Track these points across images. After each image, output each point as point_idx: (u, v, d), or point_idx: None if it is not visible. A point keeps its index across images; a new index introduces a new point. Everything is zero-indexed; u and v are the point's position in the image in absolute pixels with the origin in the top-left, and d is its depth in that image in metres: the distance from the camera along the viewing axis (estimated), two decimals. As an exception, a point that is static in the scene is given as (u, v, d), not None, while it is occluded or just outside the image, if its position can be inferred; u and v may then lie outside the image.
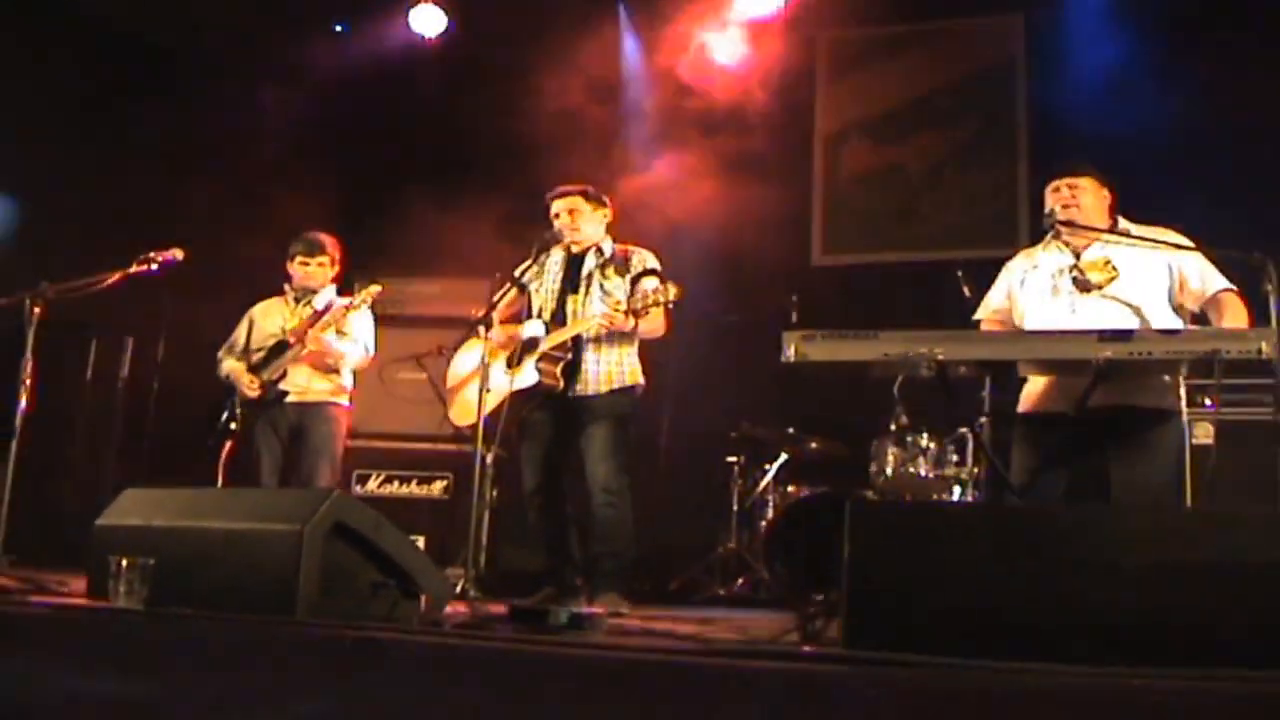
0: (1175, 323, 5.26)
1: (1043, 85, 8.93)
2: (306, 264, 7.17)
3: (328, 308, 7.08)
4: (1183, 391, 5.93)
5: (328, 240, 7.23)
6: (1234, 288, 5.26)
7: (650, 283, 6.25)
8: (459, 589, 5.45)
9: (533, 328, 6.38)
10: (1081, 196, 5.45)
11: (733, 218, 8.88)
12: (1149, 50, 8.15)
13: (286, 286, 7.26)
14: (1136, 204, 5.63)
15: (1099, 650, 3.07)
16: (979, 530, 3.48)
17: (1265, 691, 2.91)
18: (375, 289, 6.99)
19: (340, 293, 7.25)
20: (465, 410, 6.53)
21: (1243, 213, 7.29)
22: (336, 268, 7.26)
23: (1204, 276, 5.32)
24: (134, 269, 6.46)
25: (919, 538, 3.45)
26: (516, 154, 8.98)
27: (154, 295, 7.68)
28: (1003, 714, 2.78)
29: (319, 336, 6.89)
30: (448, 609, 4.56)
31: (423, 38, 9.67)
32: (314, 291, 7.19)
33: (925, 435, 7.49)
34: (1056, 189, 5.51)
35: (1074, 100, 8.32)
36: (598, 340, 6.34)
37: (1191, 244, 5.31)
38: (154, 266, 6.52)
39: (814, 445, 8.26)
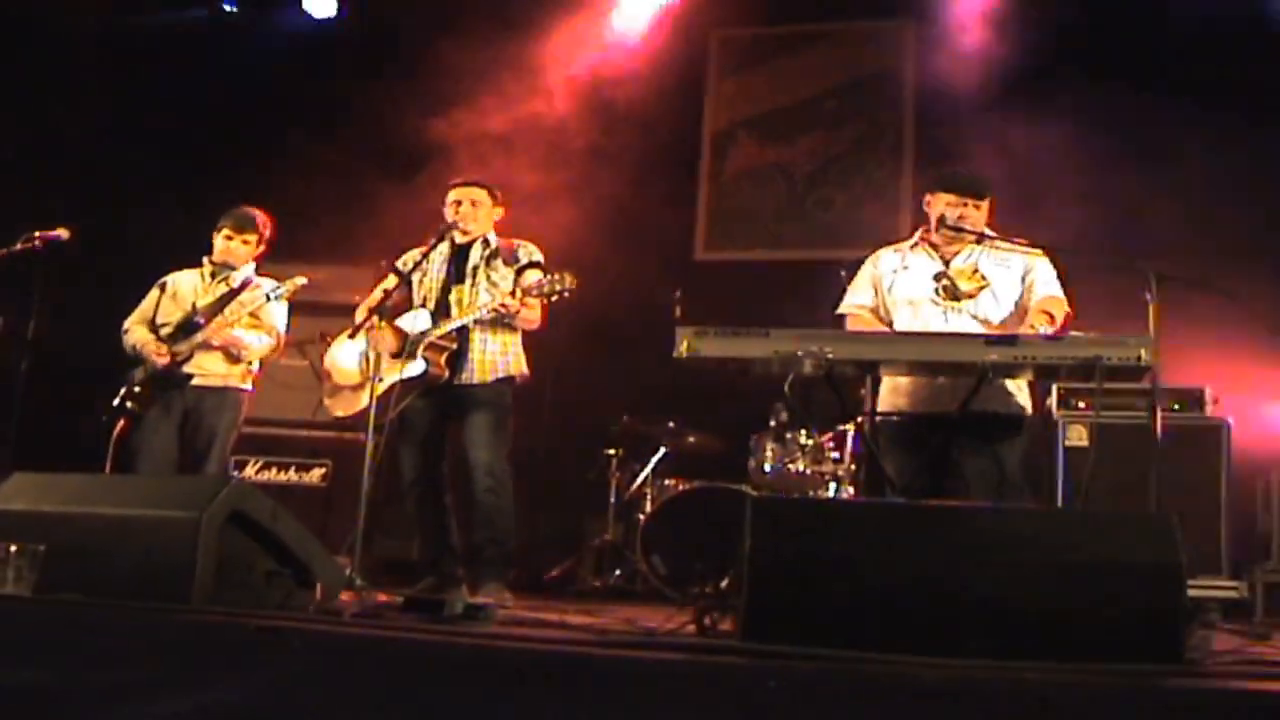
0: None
1: (928, 91, 9.06)
2: (231, 239, 6.92)
3: (244, 287, 6.88)
4: (1053, 400, 6.14)
5: (259, 218, 7.00)
6: (1062, 296, 5.49)
7: (534, 275, 6.28)
8: (347, 578, 5.43)
9: (419, 318, 6.37)
10: (978, 216, 5.60)
11: (617, 211, 8.93)
12: (1032, 61, 8.33)
13: (205, 259, 7.00)
14: (1013, 212, 5.79)
15: (995, 643, 3.17)
16: (874, 526, 3.57)
17: (1147, 685, 3.02)
18: (301, 281, 6.79)
19: (257, 274, 7.06)
20: (343, 401, 6.51)
21: (1120, 225, 7.51)
22: (263, 247, 7.05)
23: (1046, 283, 5.53)
24: (19, 247, 6.36)
25: (818, 533, 3.52)
26: (405, 142, 8.94)
27: (26, 274, 7.51)
28: (901, 706, 2.86)
29: (224, 333, 6.69)
30: (345, 599, 4.56)
31: (316, 20, 9.58)
32: (233, 268, 6.96)
33: (804, 432, 7.60)
34: (959, 204, 5.61)
35: (957, 107, 8.48)
36: (483, 329, 6.36)
37: (1042, 252, 5.54)
38: (38, 245, 6.42)
39: (692, 440, 8.34)
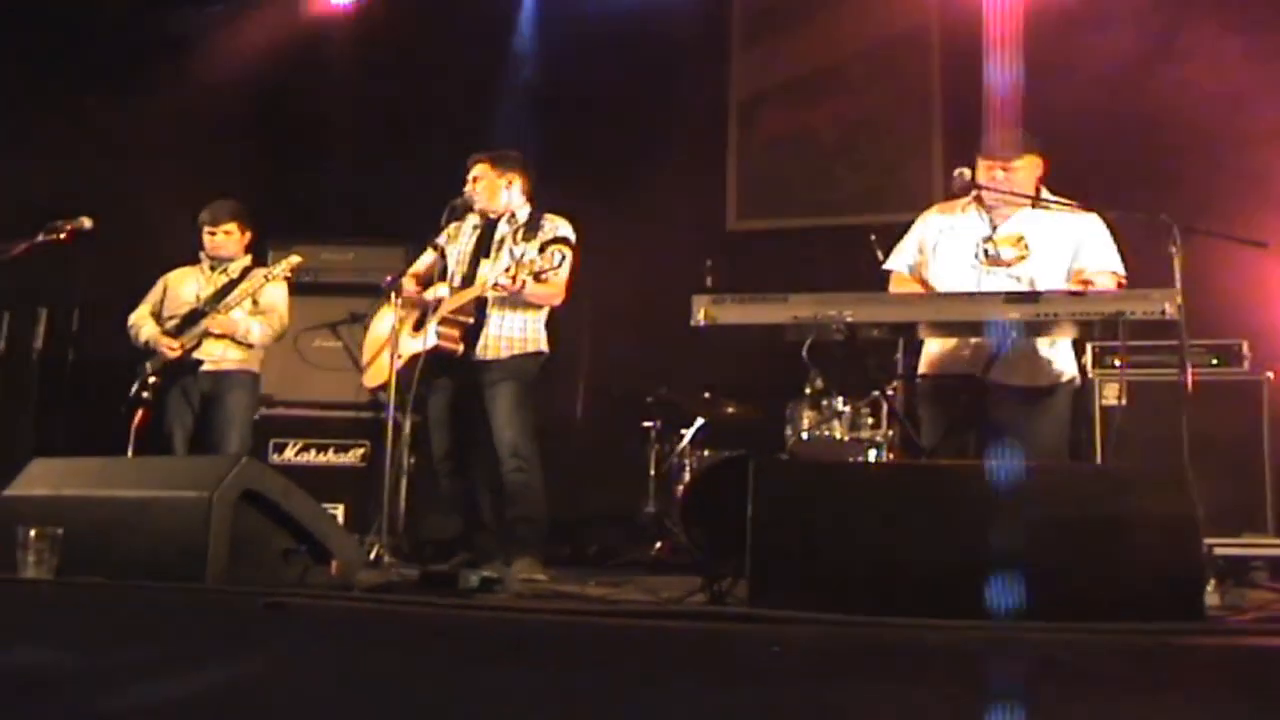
0: None
1: (955, 51, 8.94)
2: (213, 234, 7.09)
3: (244, 275, 7.02)
4: (1088, 358, 6.05)
5: (232, 208, 7.14)
6: (1120, 272, 5.35)
7: (558, 251, 6.22)
8: (374, 555, 5.45)
9: (439, 292, 6.37)
10: (1013, 175, 5.44)
11: (647, 183, 8.90)
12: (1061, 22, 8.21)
13: (201, 255, 7.16)
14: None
15: (1005, 602, 3.14)
16: (878, 488, 3.54)
17: (1160, 643, 2.99)
18: (295, 260, 6.93)
19: (255, 260, 7.20)
20: (378, 373, 6.54)
21: (1149, 183, 7.39)
22: (247, 235, 7.18)
23: (1101, 257, 5.38)
24: (41, 238, 6.39)
25: (821, 496, 3.50)
26: (431, 121, 8.94)
27: (68, 265, 7.58)
28: (902, 668, 2.84)
29: (224, 319, 6.83)
30: (362, 574, 4.57)
31: (337, 4, 9.58)
32: (229, 260, 7.12)
33: (840, 398, 7.55)
34: (990, 167, 5.47)
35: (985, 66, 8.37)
36: (500, 305, 6.34)
37: (1101, 220, 5.41)
38: (62, 236, 6.46)
39: (730, 409, 8.30)
